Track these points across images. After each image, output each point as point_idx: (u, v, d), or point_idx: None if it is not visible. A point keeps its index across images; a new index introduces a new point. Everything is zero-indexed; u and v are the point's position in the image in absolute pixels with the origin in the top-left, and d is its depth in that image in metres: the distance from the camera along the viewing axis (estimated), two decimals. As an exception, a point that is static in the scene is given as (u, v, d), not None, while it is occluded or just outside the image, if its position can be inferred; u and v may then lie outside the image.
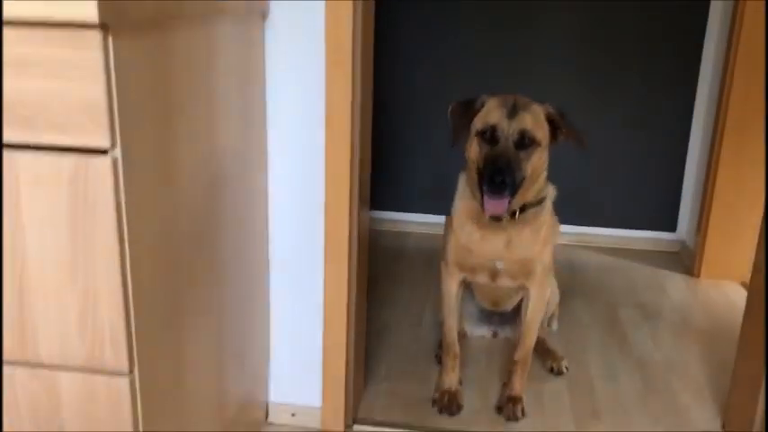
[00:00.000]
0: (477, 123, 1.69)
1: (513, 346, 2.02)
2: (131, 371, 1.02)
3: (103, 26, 0.87)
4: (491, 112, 1.67)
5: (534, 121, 1.66)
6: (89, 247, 0.96)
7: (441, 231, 2.03)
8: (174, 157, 1.12)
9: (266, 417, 1.78)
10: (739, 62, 2.61)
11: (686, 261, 3.01)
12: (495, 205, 1.63)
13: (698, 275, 2.86)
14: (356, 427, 1.80)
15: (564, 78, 3.05)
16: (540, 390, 2.00)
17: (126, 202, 0.96)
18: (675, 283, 2.81)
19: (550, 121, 1.70)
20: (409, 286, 2.70)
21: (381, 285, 2.69)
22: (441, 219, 3.38)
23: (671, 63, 2.98)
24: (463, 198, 1.82)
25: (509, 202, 1.64)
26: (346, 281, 1.64)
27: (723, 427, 1.85)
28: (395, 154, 3.25)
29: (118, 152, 0.94)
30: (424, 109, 3.17)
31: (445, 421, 1.85)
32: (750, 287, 1.77)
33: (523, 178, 1.65)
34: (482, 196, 1.66)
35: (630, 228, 3.20)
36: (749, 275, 2.77)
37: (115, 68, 0.91)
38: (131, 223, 0.98)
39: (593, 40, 2.99)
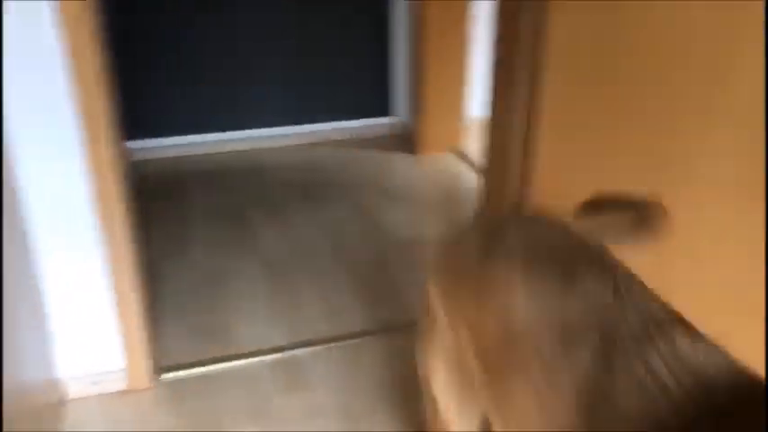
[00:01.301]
0: None
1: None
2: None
3: None
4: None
5: None
6: None
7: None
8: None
9: (67, 392, 1.67)
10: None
11: (407, 141, 3.31)
12: None
13: (419, 152, 3.18)
14: (165, 376, 1.77)
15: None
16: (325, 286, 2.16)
17: None
18: (404, 164, 3.10)
19: None
20: (172, 217, 2.61)
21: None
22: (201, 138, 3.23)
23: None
24: None
25: None
26: (123, 226, 1.55)
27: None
28: (148, 80, 3.00)
29: None
30: (169, 30, 2.93)
31: (247, 344, 1.91)
32: (488, 158, 2.01)
33: None
34: None
35: (353, 118, 3.40)
36: (458, 145, 3.19)
37: None
38: None
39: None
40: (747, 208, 1.30)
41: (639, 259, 1.37)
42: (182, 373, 1.79)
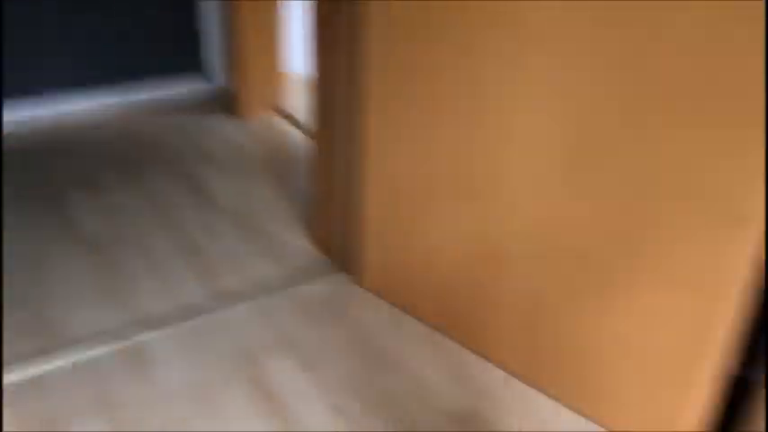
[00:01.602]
0: None
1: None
2: None
3: None
4: None
5: None
6: None
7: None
8: None
9: None
10: None
11: (227, 104, 3.20)
12: None
13: (241, 115, 3.09)
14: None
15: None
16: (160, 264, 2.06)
17: None
18: (227, 128, 3.00)
19: None
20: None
21: None
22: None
23: None
24: None
25: None
26: None
27: (324, 252, 2.19)
28: None
29: None
30: None
31: (80, 335, 1.78)
32: (317, 119, 2.01)
33: None
34: None
35: (167, 82, 3.22)
36: (281, 105, 3.15)
37: None
38: None
39: None
40: (570, 161, 1.41)
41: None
42: (8, 377, 1.64)
